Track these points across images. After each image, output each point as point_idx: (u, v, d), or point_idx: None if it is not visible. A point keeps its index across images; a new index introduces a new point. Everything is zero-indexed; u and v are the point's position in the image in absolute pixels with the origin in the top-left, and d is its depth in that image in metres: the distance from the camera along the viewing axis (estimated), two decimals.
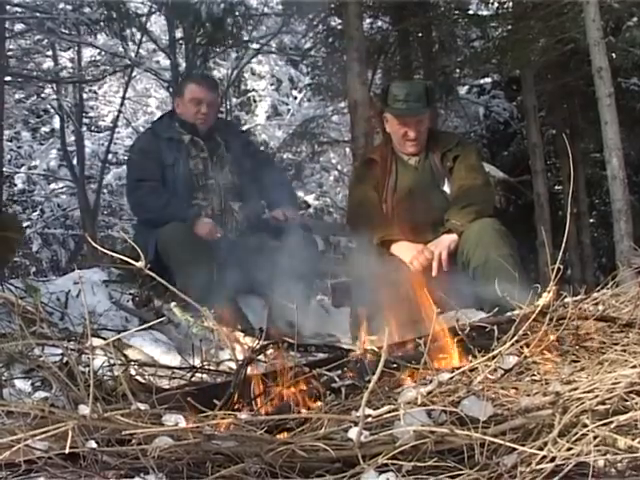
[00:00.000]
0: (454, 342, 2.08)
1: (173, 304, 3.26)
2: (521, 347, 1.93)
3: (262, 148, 10.93)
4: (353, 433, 1.40)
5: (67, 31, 8.26)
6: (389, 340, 1.76)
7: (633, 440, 1.39)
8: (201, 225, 3.63)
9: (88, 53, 10.44)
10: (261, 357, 2.17)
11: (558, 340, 2.09)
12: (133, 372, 2.29)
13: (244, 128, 11.90)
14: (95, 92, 12.93)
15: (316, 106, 11.08)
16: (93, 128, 13.14)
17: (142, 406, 1.57)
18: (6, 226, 3.07)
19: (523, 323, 1.95)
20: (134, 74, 10.51)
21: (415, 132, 3.58)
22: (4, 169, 9.31)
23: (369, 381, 1.94)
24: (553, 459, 1.32)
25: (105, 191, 12.28)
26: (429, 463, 1.33)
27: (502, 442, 1.34)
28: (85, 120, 11.86)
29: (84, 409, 1.44)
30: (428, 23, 8.44)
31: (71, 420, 1.36)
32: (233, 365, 2.28)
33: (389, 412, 1.44)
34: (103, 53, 9.48)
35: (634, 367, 1.75)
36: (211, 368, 2.41)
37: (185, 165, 3.78)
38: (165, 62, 9.68)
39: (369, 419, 1.44)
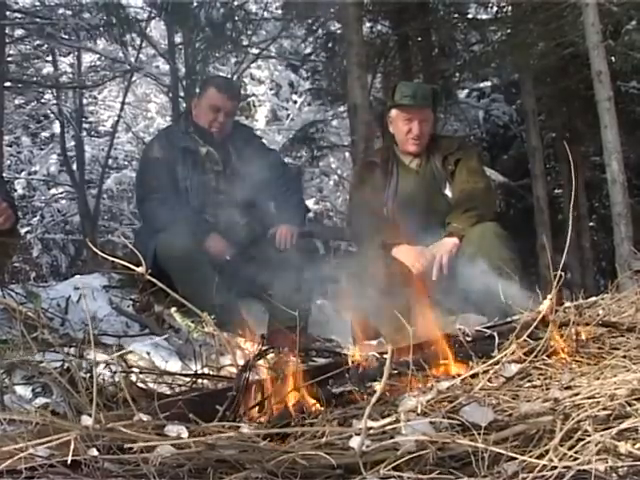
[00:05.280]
0: (455, 348, 2.08)
1: (173, 309, 3.27)
2: (524, 354, 1.93)
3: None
4: (355, 442, 1.40)
5: (67, 36, 8.31)
6: (389, 346, 1.76)
7: (634, 446, 1.39)
8: (214, 242, 3.58)
9: (88, 58, 10.47)
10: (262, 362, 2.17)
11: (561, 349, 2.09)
12: (134, 378, 2.29)
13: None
14: (95, 97, 12.97)
15: (316, 110, 11.11)
16: (93, 133, 13.18)
17: (144, 417, 1.57)
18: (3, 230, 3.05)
19: (524, 330, 1.96)
20: (134, 79, 10.56)
21: (419, 129, 3.60)
22: (4, 174, 9.32)
23: (370, 387, 1.95)
24: (555, 467, 1.32)
25: (105, 196, 12.31)
26: (432, 475, 1.33)
27: (504, 452, 1.34)
28: (85, 125, 11.90)
29: (87, 419, 1.44)
30: (427, 27, 8.46)
31: (74, 431, 1.36)
32: (234, 370, 2.28)
33: (390, 424, 1.44)
34: (103, 58, 9.51)
35: (635, 373, 1.76)
36: (212, 374, 2.40)
37: (199, 179, 3.70)
38: (165, 67, 9.71)
39: (371, 431, 1.44)
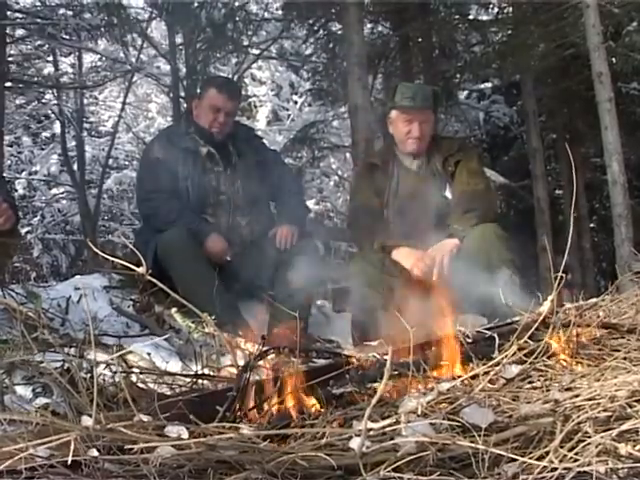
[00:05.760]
0: (456, 349, 2.08)
1: (174, 310, 3.27)
2: (525, 355, 1.93)
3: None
4: (355, 443, 1.40)
5: (68, 37, 8.30)
6: (389, 347, 1.76)
7: (634, 447, 1.39)
8: (214, 242, 3.58)
9: (89, 59, 10.46)
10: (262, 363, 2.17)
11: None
12: (134, 378, 2.29)
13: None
14: (96, 97, 12.96)
15: (316, 111, 11.10)
16: (94, 133, 13.18)
17: (144, 417, 1.57)
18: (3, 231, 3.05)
19: (525, 332, 1.96)
20: (135, 79, 10.55)
21: (419, 131, 3.60)
22: (5, 174, 9.32)
23: (370, 388, 1.95)
24: (555, 468, 1.32)
25: (105, 196, 12.31)
26: (432, 477, 1.33)
27: (504, 453, 1.34)
28: (86, 125, 11.89)
29: (87, 420, 1.44)
30: (428, 28, 8.45)
31: (74, 431, 1.36)
32: (234, 371, 2.28)
33: (391, 425, 1.44)
34: (104, 58, 9.50)
35: (635, 374, 1.76)
36: (213, 374, 2.40)
37: (200, 179, 3.70)
38: (166, 67, 9.70)
39: (371, 432, 1.44)
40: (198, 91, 4.22)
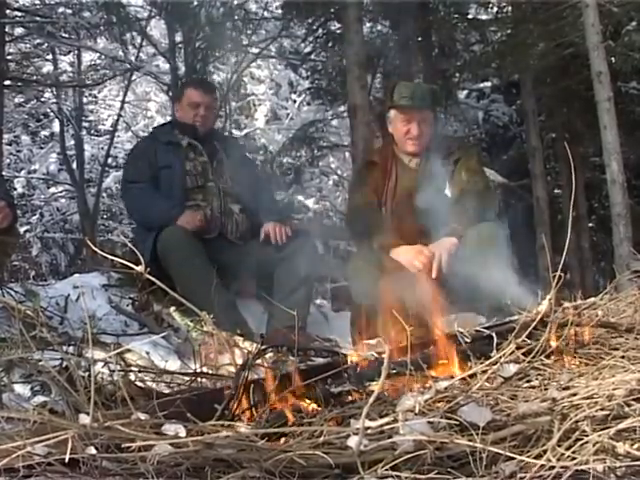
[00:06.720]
0: (454, 348, 2.08)
1: (172, 308, 3.27)
2: (523, 354, 1.93)
3: (262, 152, 10.98)
4: (353, 441, 1.40)
5: (67, 35, 8.31)
6: (387, 345, 1.76)
7: (632, 446, 1.39)
8: (183, 218, 3.59)
9: (88, 57, 10.47)
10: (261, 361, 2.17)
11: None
12: (133, 377, 2.29)
13: (243, 132, 12.00)
14: (95, 96, 12.96)
15: (315, 110, 11.11)
16: (93, 132, 13.18)
17: (142, 415, 1.57)
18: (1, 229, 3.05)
19: (523, 331, 1.96)
20: (134, 78, 10.55)
21: (418, 130, 3.59)
22: (3, 173, 9.32)
23: (368, 386, 1.95)
24: (553, 467, 1.32)
25: (104, 195, 12.30)
26: (430, 476, 1.33)
27: (502, 452, 1.34)
28: (85, 124, 11.90)
29: (85, 418, 1.44)
30: (428, 27, 8.46)
31: (72, 429, 1.36)
32: (233, 369, 2.28)
33: (388, 423, 1.44)
34: (103, 57, 9.52)
35: (633, 373, 1.76)
36: (211, 373, 2.40)
37: (181, 166, 3.76)
38: (165, 66, 9.71)
39: (369, 431, 1.44)
40: (177, 94, 4.37)
